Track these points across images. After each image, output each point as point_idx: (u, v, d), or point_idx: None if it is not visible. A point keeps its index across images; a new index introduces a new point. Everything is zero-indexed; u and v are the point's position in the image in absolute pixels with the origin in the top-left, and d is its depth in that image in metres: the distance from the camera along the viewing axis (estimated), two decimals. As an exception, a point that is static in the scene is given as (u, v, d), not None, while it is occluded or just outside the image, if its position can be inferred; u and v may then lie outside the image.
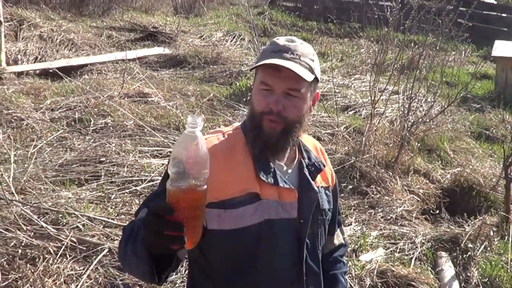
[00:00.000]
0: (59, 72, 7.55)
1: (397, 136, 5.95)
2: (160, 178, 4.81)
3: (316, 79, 1.88)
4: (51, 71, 7.98)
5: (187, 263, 2.06)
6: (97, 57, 9.13)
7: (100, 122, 6.11)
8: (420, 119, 6.06)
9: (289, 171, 1.93)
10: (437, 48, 7.07)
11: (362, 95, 8.27)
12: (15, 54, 8.48)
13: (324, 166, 2.04)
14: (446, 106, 6.50)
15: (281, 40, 1.87)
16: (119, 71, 8.35)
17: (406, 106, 6.14)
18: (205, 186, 1.34)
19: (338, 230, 2.25)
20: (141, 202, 1.97)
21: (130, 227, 1.72)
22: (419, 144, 6.29)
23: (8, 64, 8.07)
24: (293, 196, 1.87)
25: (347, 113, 7.63)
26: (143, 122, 5.98)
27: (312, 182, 1.95)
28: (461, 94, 6.77)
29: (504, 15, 13.83)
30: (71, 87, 7.37)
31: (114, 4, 13.67)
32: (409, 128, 5.91)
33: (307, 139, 2.11)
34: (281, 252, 1.85)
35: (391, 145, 5.88)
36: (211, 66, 9.22)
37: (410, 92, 6.16)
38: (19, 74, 7.83)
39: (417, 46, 8.61)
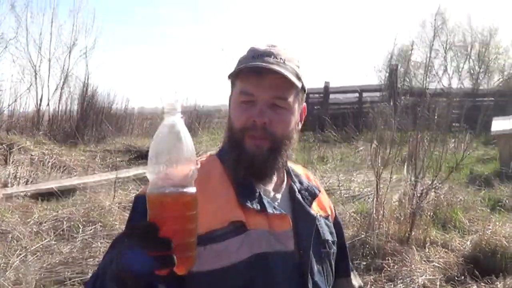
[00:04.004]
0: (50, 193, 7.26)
1: (406, 210, 5.55)
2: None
3: (303, 89, 1.58)
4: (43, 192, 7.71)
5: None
6: (90, 177, 8.91)
7: (89, 228, 5.74)
8: (428, 191, 5.68)
9: (278, 196, 1.57)
10: (437, 139, 6.87)
11: (366, 185, 7.97)
12: (5, 177, 8.25)
13: (319, 191, 1.69)
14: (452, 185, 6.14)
15: (261, 45, 1.58)
16: (113, 188, 8.09)
17: (412, 187, 5.81)
18: (195, 189, 1.05)
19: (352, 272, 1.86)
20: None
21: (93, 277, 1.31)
22: (431, 218, 5.86)
23: (-3, 188, 7.82)
24: (286, 224, 1.50)
25: (353, 202, 7.31)
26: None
27: (308, 207, 1.59)
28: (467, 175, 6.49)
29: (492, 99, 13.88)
30: (61, 203, 7.10)
31: (109, 133, 13.69)
32: (418, 203, 5.52)
33: (294, 165, 1.77)
34: None
35: (402, 218, 5.47)
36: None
37: (414, 178, 5.86)
38: (8, 198, 7.54)
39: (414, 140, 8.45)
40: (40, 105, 14.44)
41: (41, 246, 5.28)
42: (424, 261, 4.85)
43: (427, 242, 5.23)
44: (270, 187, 1.58)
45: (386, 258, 4.75)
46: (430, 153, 6.71)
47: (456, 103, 8.83)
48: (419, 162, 6.11)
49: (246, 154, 1.50)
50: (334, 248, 1.66)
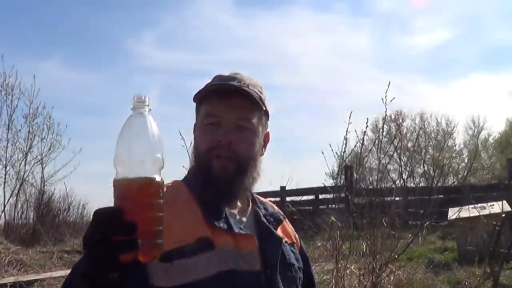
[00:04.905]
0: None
1: (367, 283, 5.62)
2: None
3: (266, 114, 1.70)
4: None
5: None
6: (48, 274, 8.73)
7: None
8: (387, 263, 5.78)
9: (244, 219, 1.65)
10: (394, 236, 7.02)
11: (325, 273, 7.97)
12: (-42, 274, 8.02)
13: (284, 218, 1.79)
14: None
15: (226, 72, 1.70)
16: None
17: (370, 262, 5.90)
18: (160, 178, 1.09)
19: None
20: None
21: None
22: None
23: None
24: (253, 244, 1.56)
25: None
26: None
27: (274, 230, 1.68)
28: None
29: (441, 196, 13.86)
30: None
31: (68, 235, 13.44)
32: (378, 274, 5.61)
33: (259, 196, 1.86)
34: None
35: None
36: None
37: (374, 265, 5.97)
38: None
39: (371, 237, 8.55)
40: (-5, 211, 14.14)
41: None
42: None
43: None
44: (236, 211, 1.64)
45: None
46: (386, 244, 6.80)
47: (412, 200, 9.02)
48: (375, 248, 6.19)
49: (213, 175, 1.56)
50: (300, 274, 1.70)
